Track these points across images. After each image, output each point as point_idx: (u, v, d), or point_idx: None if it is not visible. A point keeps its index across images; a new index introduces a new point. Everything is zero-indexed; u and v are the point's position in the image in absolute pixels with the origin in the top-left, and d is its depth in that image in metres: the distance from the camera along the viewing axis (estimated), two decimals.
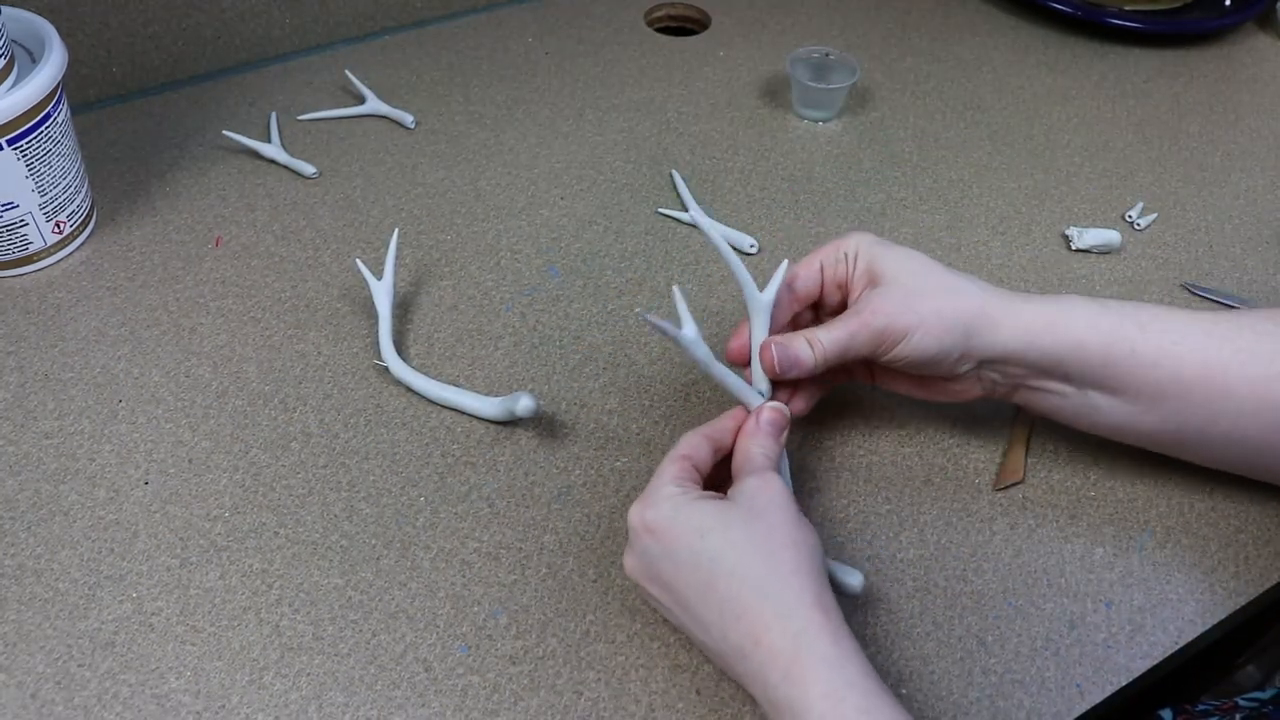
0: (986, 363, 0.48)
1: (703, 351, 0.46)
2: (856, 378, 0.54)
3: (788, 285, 0.50)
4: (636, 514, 0.44)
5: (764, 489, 0.43)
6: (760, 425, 0.47)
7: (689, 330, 0.45)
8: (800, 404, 0.51)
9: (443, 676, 0.46)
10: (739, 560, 0.41)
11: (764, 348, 0.48)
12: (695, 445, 0.47)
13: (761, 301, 0.48)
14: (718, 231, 0.46)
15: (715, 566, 0.41)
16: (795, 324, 0.52)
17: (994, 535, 0.52)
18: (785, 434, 0.48)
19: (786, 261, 0.49)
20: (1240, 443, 0.47)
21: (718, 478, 0.48)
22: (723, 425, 0.48)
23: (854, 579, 0.47)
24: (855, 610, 0.49)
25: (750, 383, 0.49)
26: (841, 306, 0.51)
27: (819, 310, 0.53)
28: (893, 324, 0.46)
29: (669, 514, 0.43)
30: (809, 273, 0.50)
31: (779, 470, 0.47)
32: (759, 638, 0.39)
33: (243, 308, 0.63)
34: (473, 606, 0.49)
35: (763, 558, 0.41)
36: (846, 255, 0.49)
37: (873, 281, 0.48)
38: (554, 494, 0.53)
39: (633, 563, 0.45)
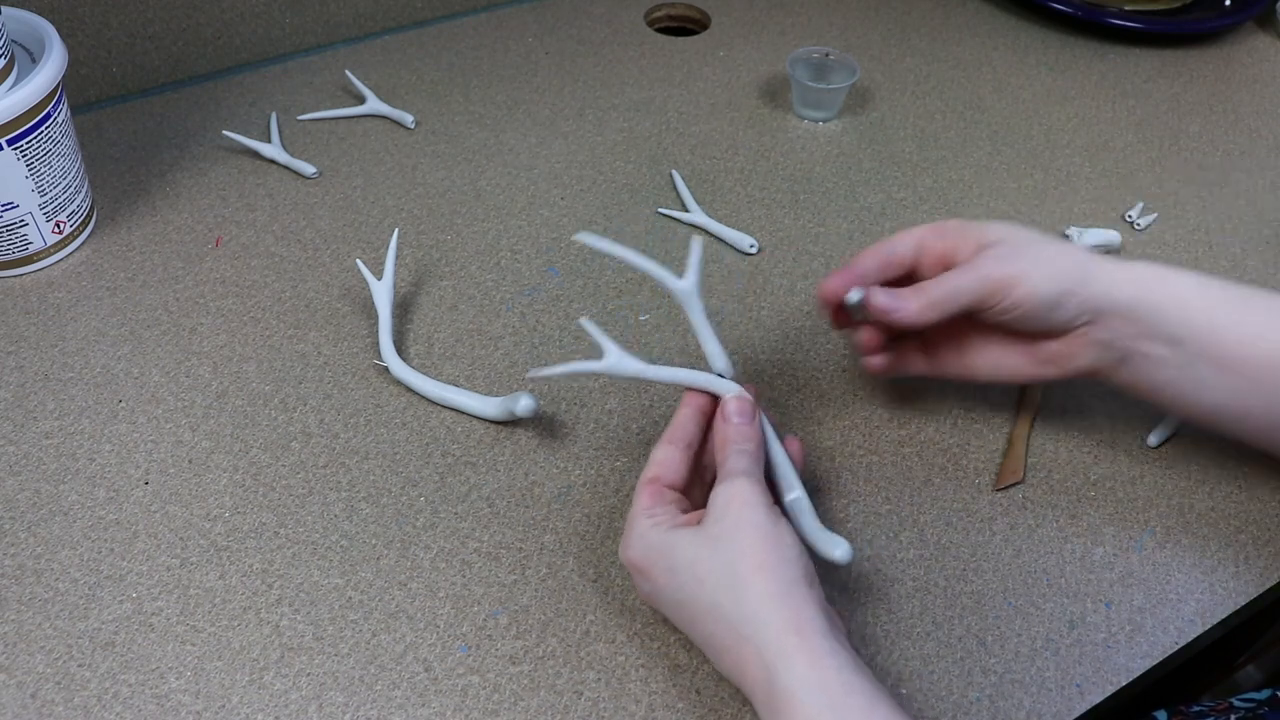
0: (1100, 316, 0.47)
1: (631, 369, 0.46)
2: (937, 369, 0.53)
3: (889, 252, 0.50)
4: (621, 552, 0.45)
5: (734, 501, 0.42)
6: (729, 420, 0.46)
7: (607, 358, 0.45)
8: (879, 361, 0.52)
9: (443, 676, 0.46)
10: (709, 597, 0.41)
11: (869, 292, 0.48)
12: (663, 460, 0.46)
13: (684, 287, 0.47)
14: (638, 255, 0.46)
15: (693, 605, 0.41)
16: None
17: (994, 535, 0.52)
18: (758, 417, 0.47)
19: (699, 239, 0.48)
20: None
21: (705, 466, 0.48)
22: (682, 420, 0.48)
23: (838, 550, 0.45)
24: (856, 610, 0.49)
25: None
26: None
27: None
28: (1005, 268, 0.46)
29: (644, 552, 0.43)
30: (907, 240, 0.50)
31: (758, 460, 0.45)
32: (741, 670, 0.40)
33: (243, 308, 0.63)
34: (473, 606, 0.49)
35: (729, 592, 0.40)
36: (947, 231, 0.49)
37: (981, 246, 0.48)
38: (554, 494, 0.53)
39: (641, 592, 0.46)
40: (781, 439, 0.48)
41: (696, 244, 0.47)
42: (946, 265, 0.49)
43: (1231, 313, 0.46)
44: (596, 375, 0.45)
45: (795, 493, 0.47)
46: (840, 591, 0.49)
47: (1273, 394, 0.46)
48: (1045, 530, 0.53)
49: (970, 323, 0.50)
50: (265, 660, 0.46)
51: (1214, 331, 0.46)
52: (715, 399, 0.48)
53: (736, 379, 0.49)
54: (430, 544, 0.51)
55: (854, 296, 0.49)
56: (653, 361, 0.49)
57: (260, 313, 0.63)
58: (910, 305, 0.47)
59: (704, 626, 0.41)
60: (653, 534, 0.43)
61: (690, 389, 0.49)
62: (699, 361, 0.60)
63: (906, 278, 0.51)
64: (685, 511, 0.45)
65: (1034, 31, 0.93)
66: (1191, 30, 0.92)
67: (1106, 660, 0.47)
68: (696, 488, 0.49)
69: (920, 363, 0.54)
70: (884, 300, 0.48)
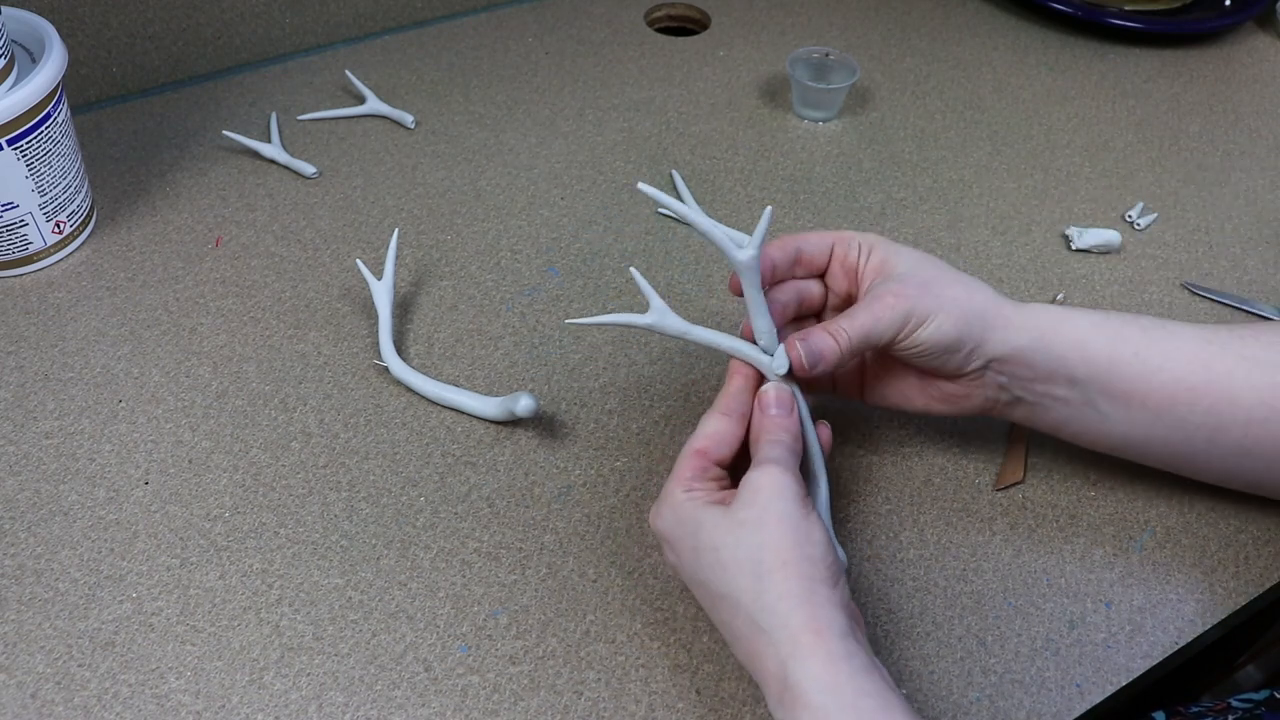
0: (996, 362, 0.47)
1: (675, 327, 0.44)
2: (840, 392, 0.53)
3: (797, 248, 0.49)
4: (652, 516, 0.45)
5: (764, 490, 0.42)
6: (766, 411, 0.46)
7: (651, 313, 0.44)
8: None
9: (443, 676, 0.46)
10: (729, 585, 0.40)
11: (789, 344, 0.46)
12: (713, 432, 0.45)
13: (744, 260, 0.46)
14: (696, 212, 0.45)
15: (712, 588, 0.41)
16: (802, 298, 0.50)
17: (994, 535, 0.52)
18: (796, 409, 0.46)
19: (770, 208, 0.47)
20: (1251, 454, 0.47)
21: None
22: (735, 390, 0.47)
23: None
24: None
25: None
26: (847, 296, 0.50)
27: (826, 291, 0.51)
28: (916, 307, 0.45)
29: (672, 525, 0.43)
30: (820, 242, 0.49)
31: (794, 452, 0.45)
32: (754, 662, 0.40)
33: (243, 308, 0.63)
34: (473, 606, 0.49)
35: (749, 583, 0.40)
36: (860, 246, 0.49)
37: (886, 274, 0.47)
38: (554, 494, 0.53)
39: (666, 560, 0.45)
40: (815, 424, 0.48)
41: (767, 213, 0.46)
42: (849, 281, 0.49)
43: (1131, 348, 0.46)
44: (638, 328, 0.43)
45: (821, 488, 0.47)
46: None
47: (1175, 423, 0.47)
48: (1045, 530, 0.52)
49: (872, 354, 0.50)
50: (265, 660, 0.46)
51: (1114, 368, 0.46)
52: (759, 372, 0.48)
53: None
54: (430, 544, 0.51)
55: (780, 366, 0.47)
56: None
57: (260, 313, 0.63)
58: (829, 360, 0.46)
59: (721, 611, 0.41)
60: (685, 507, 0.43)
61: (736, 359, 0.48)
62: (699, 360, 0.60)
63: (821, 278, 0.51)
64: (723, 489, 0.45)
65: (1034, 31, 0.93)
66: (1191, 30, 0.92)
67: (1106, 660, 0.47)
68: (741, 466, 0.48)
69: (824, 383, 0.53)
70: (810, 355, 0.46)
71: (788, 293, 0.50)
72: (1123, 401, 0.47)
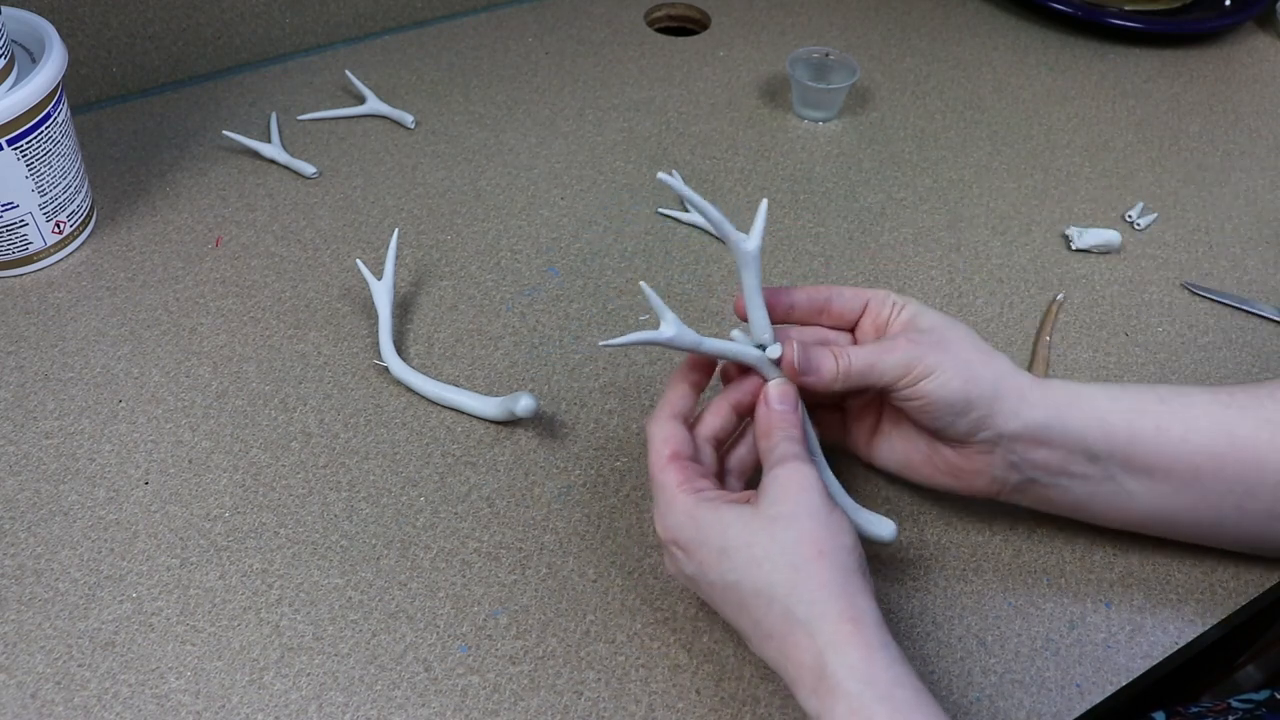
0: (1007, 438, 0.45)
1: (689, 339, 0.44)
2: (851, 443, 0.52)
3: (828, 298, 0.48)
4: (660, 529, 0.44)
5: (792, 486, 0.41)
6: (772, 407, 0.45)
7: (667, 328, 0.44)
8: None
9: (443, 676, 0.46)
10: (764, 580, 0.40)
11: (786, 342, 0.46)
12: (671, 436, 0.45)
13: (746, 249, 0.46)
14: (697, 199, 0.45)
15: (741, 587, 0.40)
16: (825, 342, 0.49)
17: (994, 535, 0.52)
18: (800, 404, 0.46)
19: (765, 202, 0.47)
20: None
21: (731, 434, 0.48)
22: (678, 396, 0.47)
23: (884, 529, 0.46)
24: None
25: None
26: None
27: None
28: (924, 357, 0.44)
29: (691, 529, 0.42)
30: (854, 296, 0.48)
31: (805, 445, 0.45)
32: (788, 654, 0.39)
33: (243, 308, 0.63)
34: (473, 606, 0.49)
35: (787, 575, 0.39)
36: (895, 304, 0.48)
37: (910, 326, 0.47)
38: (554, 494, 0.53)
39: (671, 571, 0.45)
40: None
41: (763, 206, 0.46)
42: (880, 333, 0.48)
43: (1151, 420, 0.45)
44: (658, 345, 0.44)
45: (828, 475, 0.47)
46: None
47: (1202, 493, 0.46)
48: (1045, 530, 0.52)
49: (886, 405, 0.49)
50: (265, 660, 0.46)
51: (1135, 441, 0.45)
52: (709, 373, 0.48)
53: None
54: (430, 544, 0.51)
55: (773, 352, 0.47)
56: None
57: (260, 313, 0.63)
58: (823, 373, 0.45)
59: (752, 611, 0.40)
60: (702, 509, 0.42)
61: (685, 366, 0.48)
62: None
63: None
64: (720, 488, 0.45)
65: (1034, 31, 0.93)
66: (1191, 30, 0.92)
67: (1106, 660, 0.47)
68: (730, 461, 0.48)
69: (837, 430, 0.52)
70: (804, 361, 0.45)
71: (809, 336, 0.49)
72: (1146, 474, 0.45)
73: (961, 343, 0.46)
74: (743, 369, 0.48)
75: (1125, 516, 0.48)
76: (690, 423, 0.47)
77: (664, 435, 0.45)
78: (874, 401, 0.50)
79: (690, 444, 0.46)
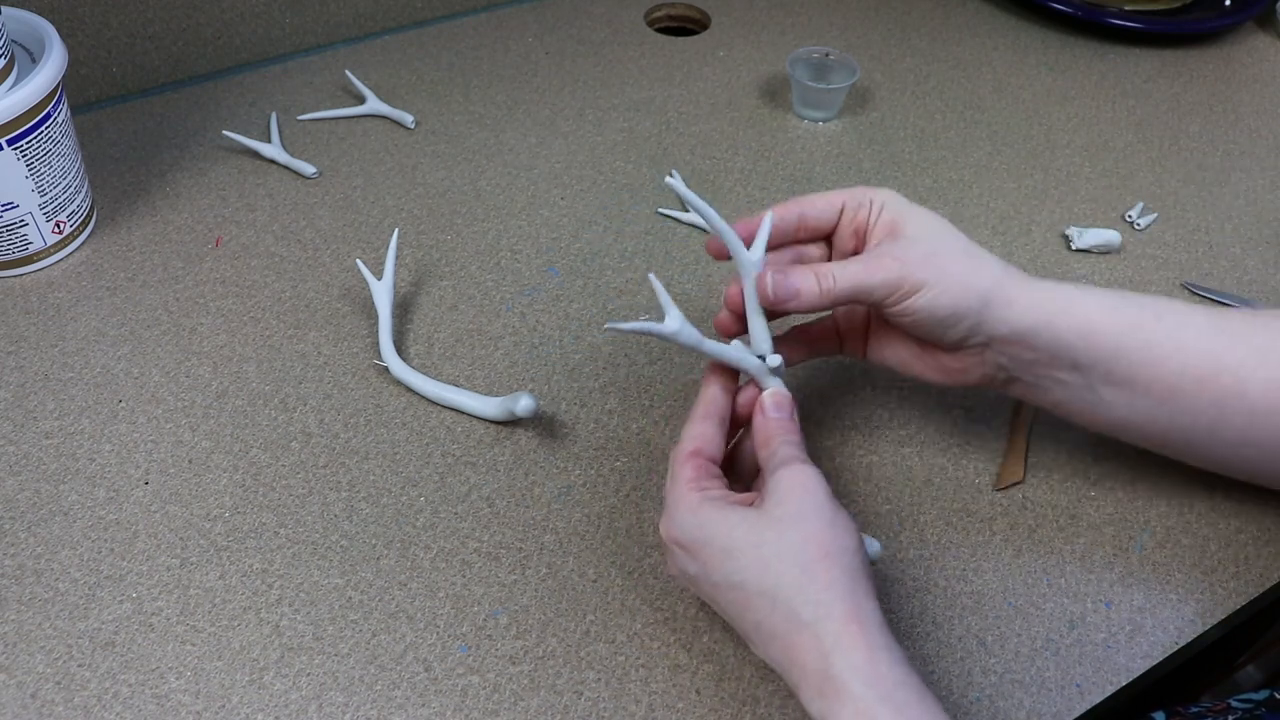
0: (996, 341, 0.45)
1: (691, 337, 0.44)
2: (847, 349, 0.52)
3: (800, 214, 0.47)
4: (664, 529, 0.43)
5: (796, 487, 0.41)
6: (768, 415, 0.46)
7: (671, 322, 0.43)
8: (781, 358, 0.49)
9: (443, 676, 0.46)
10: (770, 581, 0.40)
11: (760, 276, 0.45)
12: (701, 435, 0.45)
13: (749, 260, 0.45)
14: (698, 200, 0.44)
15: (746, 588, 0.40)
16: (801, 260, 0.49)
17: (994, 535, 0.52)
18: (795, 412, 0.46)
19: (770, 213, 0.47)
20: (1252, 445, 0.46)
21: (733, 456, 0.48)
22: (711, 396, 0.47)
23: (870, 549, 0.46)
24: None
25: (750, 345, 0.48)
26: (854, 254, 0.48)
27: (830, 252, 0.50)
28: (912, 274, 0.44)
29: (695, 528, 0.42)
30: (827, 205, 0.48)
31: (804, 449, 0.45)
32: (793, 657, 0.39)
33: (243, 308, 0.63)
34: (473, 606, 0.49)
35: (794, 576, 0.39)
36: (872, 202, 0.47)
37: (894, 234, 0.46)
38: (554, 494, 0.53)
39: (673, 571, 0.44)
40: None
41: (767, 218, 0.46)
42: (858, 240, 0.48)
43: (1140, 334, 0.45)
44: (660, 337, 0.43)
45: None
46: None
47: (1177, 411, 0.46)
48: (1045, 530, 0.52)
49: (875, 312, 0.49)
50: (265, 660, 0.46)
51: (1119, 356, 0.45)
52: (737, 374, 0.48)
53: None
54: (430, 544, 0.51)
55: (772, 361, 0.46)
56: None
57: (260, 313, 0.63)
58: (804, 296, 0.44)
59: (755, 611, 0.40)
60: (707, 510, 0.42)
61: (715, 364, 0.47)
62: (699, 360, 0.60)
63: (827, 241, 0.50)
64: (727, 490, 0.44)
65: (1034, 31, 0.93)
66: (1191, 30, 0.92)
67: (1106, 660, 0.47)
68: (727, 470, 0.48)
69: (831, 343, 0.52)
70: (779, 288, 0.44)
71: (785, 257, 0.49)
72: (1125, 388, 0.46)
73: (950, 252, 0.45)
74: (729, 372, 0.47)
75: (1096, 422, 0.48)
76: (726, 424, 0.47)
77: (694, 433, 0.45)
78: (863, 309, 0.50)
79: (718, 445, 0.45)
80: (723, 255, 0.47)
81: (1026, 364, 0.46)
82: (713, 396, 0.47)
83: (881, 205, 0.47)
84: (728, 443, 0.48)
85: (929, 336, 0.46)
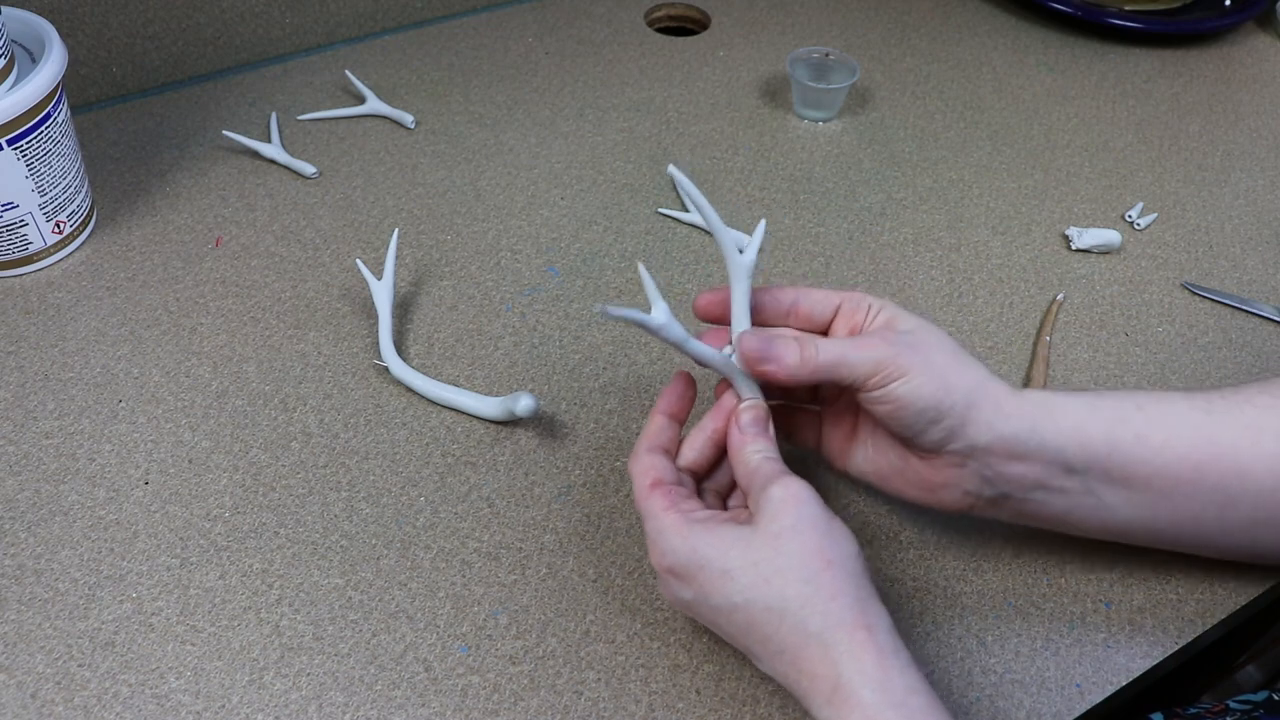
0: (979, 451, 0.43)
1: (676, 333, 0.43)
2: (825, 448, 0.50)
3: (795, 299, 0.47)
4: (654, 559, 0.43)
5: (790, 500, 0.41)
6: (744, 431, 0.45)
7: (658, 314, 0.43)
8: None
9: (443, 676, 0.46)
10: (775, 596, 0.39)
11: (741, 334, 0.44)
12: (651, 467, 0.44)
13: (741, 263, 0.45)
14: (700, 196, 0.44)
15: (750, 607, 0.40)
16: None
17: (994, 535, 0.52)
18: (771, 426, 0.45)
19: (764, 221, 0.47)
20: (1264, 524, 0.45)
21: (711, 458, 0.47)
22: (657, 428, 0.46)
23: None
24: None
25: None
26: None
27: None
28: (897, 357, 0.42)
29: (688, 552, 0.41)
30: (824, 298, 0.46)
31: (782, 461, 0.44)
32: (801, 668, 0.39)
33: (243, 308, 0.63)
34: (473, 606, 0.49)
35: (798, 589, 0.39)
36: (870, 306, 0.46)
37: (888, 326, 0.45)
38: (554, 494, 0.53)
39: (669, 598, 0.44)
40: None
41: (761, 225, 0.46)
42: (853, 332, 0.46)
43: (1127, 427, 0.44)
44: (645, 329, 0.42)
45: None
46: None
47: (1182, 502, 0.45)
48: (1045, 530, 0.52)
49: (862, 412, 0.48)
50: (265, 660, 0.46)
51: (1114, 453, 0.43)
52: (688, 405, 0.47)
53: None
54: (430, 544, 0.51)
55: (727, 350, 0.46)
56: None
57: (260, 313, 0.63)
58: (786, 362, 0.43)
59: (761, 628, 0.40)
60: (694, 533, 0.41)
61: (671, 391, 0.47)
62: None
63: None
64: (709, 508, 0.44)
65: (1034, 31, 0.93)
66: (1191, 30, 0.92)
67: (1106, 660, 0.47)
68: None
69: (812, 434, 0.50)
70: (757, 347, 0.43)
71: (779, 332, 0.47)
72: (1125, 485, 0.44)
73: (938, 347, 0.44)
74: (683, 401, 0.47)
75: (1105, 528, 0.47)
76: (671, 453, 0.46)
77: (643, 467, 0.44)
78: (851, 407, 0.48)
79: (672, 471, 0.45)
80: (709, 317, 0.47)
81: (1014, 478, 0.44)
82: (659, 428, 0.46)
83: (880, 309, 0.46)
84: (713, 463, 0.47)
85: (907, 432, 0.43)
